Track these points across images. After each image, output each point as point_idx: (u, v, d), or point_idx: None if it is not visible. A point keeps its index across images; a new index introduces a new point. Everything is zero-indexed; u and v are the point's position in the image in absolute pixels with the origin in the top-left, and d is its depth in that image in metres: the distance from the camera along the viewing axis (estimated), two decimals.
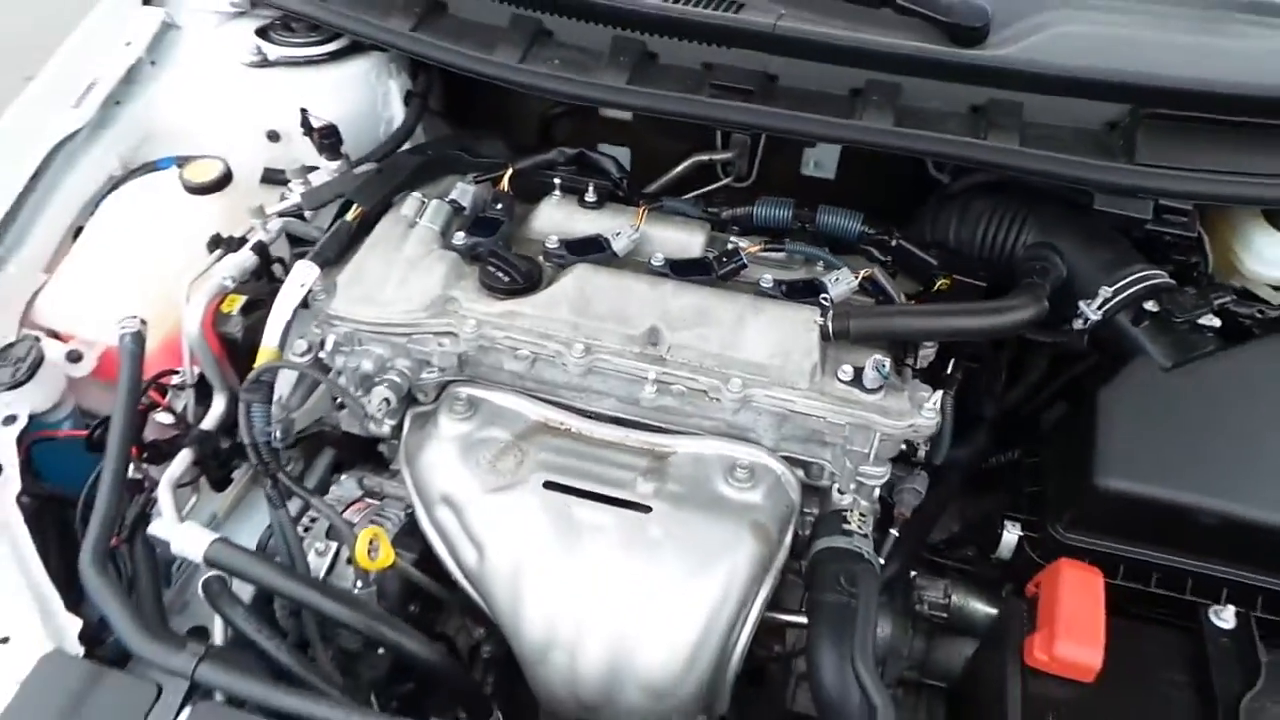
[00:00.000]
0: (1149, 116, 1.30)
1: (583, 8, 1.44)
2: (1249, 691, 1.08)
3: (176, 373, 1.35)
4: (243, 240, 1.39)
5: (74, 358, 1.35)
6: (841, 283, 1.31)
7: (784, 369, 1.22)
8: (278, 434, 1.24)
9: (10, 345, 1.30)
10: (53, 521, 1.24)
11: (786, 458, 1.26)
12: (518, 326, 1.26)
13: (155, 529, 1.17)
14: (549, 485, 1.21)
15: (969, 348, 1.40)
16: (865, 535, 1.23)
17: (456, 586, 1.25)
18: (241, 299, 1.35)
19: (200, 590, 1.15)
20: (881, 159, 1.38)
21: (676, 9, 1.39)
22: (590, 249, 1.37)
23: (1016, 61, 1.31)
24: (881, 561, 1.24)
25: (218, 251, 1.39)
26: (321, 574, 1.25)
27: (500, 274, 1.29)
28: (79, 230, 1.48)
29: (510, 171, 1.48)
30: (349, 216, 1.38)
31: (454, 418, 1.27)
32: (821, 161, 1.76)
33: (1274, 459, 1.18)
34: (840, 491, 1.27)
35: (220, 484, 1.39)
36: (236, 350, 1.35)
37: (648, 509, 1.19)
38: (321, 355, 1.31)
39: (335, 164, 1.49)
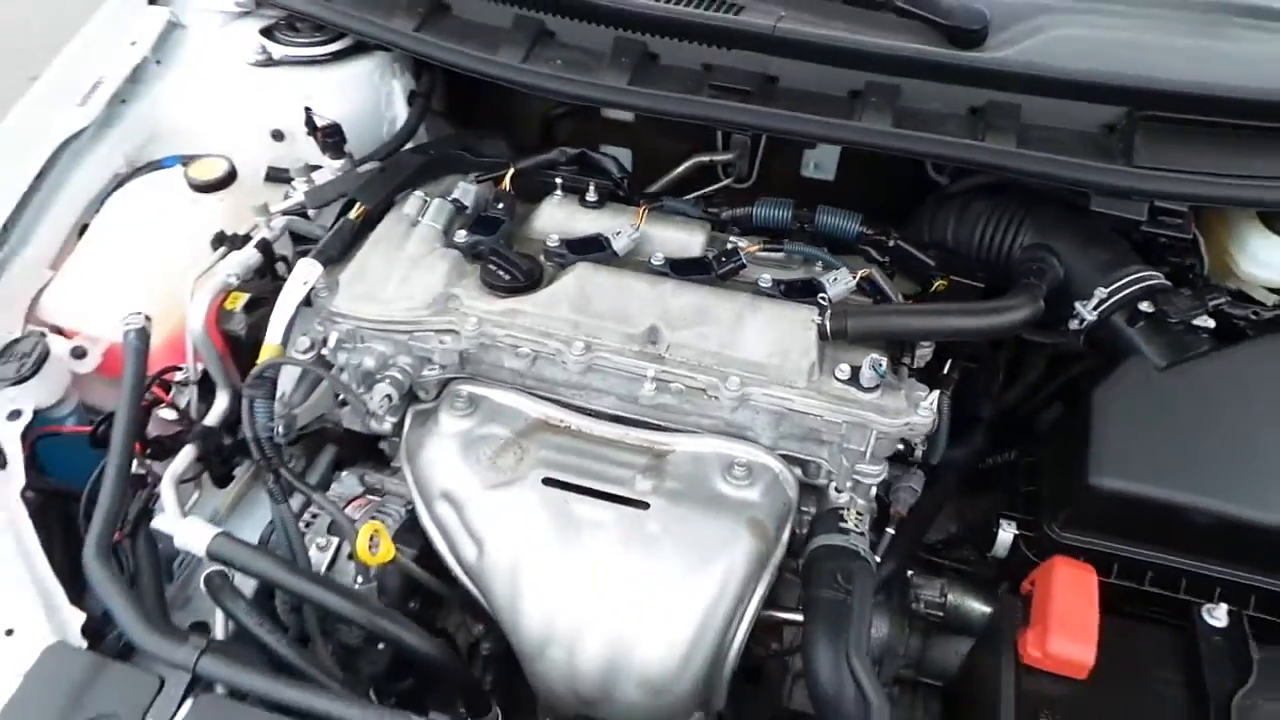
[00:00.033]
0: (1146, 119, 1.31)
1: (585, 9, 1.45)
2: (1241, 689, 1.09)
3: (180, 369, 1.36)
4: (247, 238, 1.40)
5: (79, 354, 1.36)
6: (839, 283, 1.32)
7: (782, 368, 1.23)
8: (280, 430, 1.25)
9: (16, 341, 1.32)
10: (56, 516, 1.25)
11: (784, 456, 1.27)
12: (518, 324, 1.27)
13: (158, 523, 1.18)
14: (548, 482, 1.22)
15: (966, 348, 1.41)
16: (862, 533, 1.24)
17: (456, 583, 1.25)
18: (245, 296, 1.37)
19: (202, 585, 1.16)
20: (881, 161, 1.39)
21: (677, 10, 1.41)
22: (591, 248, 1.38)
23: (1014, 64, 1.32)
24: (878, 560, 1.25)
25: (222, 249, 1.40)
26: (323, 569, 1.26)
27: (501, 272, 1.30)
28: (84, 228, 1.50)
29: (512, 171, 1.49)
30: (352, 215, 1.39)
31: (455, 414, 1.28)
32: (821, 163, 1.77)
33: (1267, 459, 1.19)
34: (837, 490, 1.28)
35: (222, 480, 1.40)
36: (240, 347, 1.36)
37: (646, 505, 1.20)
38: (324, 352, 1.33)
39: (339, 163, 1.51)
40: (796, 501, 1.26)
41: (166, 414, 1.34)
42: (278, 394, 1.28)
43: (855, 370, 1.22)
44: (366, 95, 1.64)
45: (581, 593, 1.17)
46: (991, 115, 1.35)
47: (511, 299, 1.29)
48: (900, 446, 1.27)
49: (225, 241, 1.41)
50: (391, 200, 1.43)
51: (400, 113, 1.67)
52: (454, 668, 1.19)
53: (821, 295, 1.31)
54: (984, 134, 1.33)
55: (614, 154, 1.56)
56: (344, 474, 1.40)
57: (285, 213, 1.45)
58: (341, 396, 1.33)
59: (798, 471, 1.28)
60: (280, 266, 1.43)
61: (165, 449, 1.31)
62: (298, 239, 1.48)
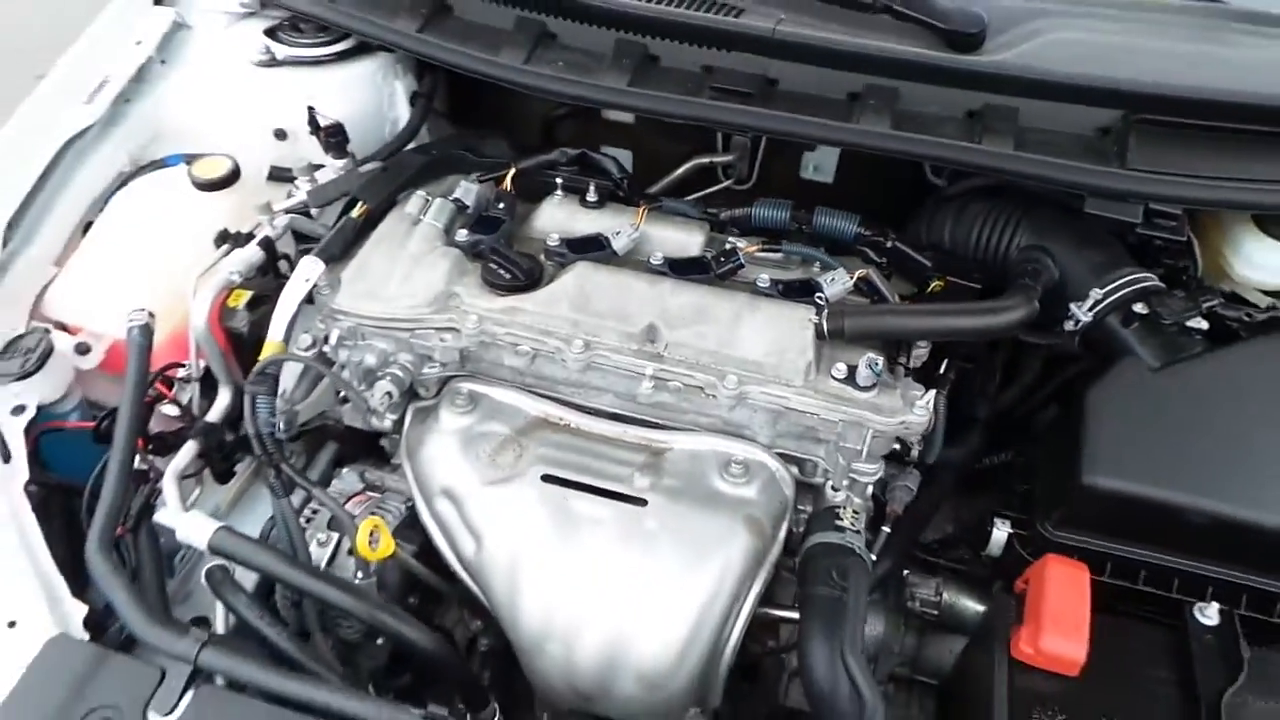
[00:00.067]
0: (1141, 122, 1.32)
1: (586, 11, 1.46)
2: (1231, 687, 1.10)
3: (183, 366, 1.37)
4: (250, 236, 1.41)
5: (82, 350, 1.37)
6: (837, 283, 1.33)
7: (779, 366, 1.24)
8: (281, 426, 1.26)
9: (20, 336, 1.32)
10: (59, 511, 1.26)
11: (781, 454, 1.28)
12: (518, 322, 1.28)
13: (160, 517, 1.19)
14: (547, 479, 1.23)
15: (963, 348, 1.42)
16: (858, 531, 1.25)
17: (455, 579, 1.27)
18: (247, 294, 1.38)
19: (203, 579, 1.17)
20: (880, 163, 1.40)
21: (678, 13, 1.42)
22: (590, 247, 1.39)
23: (1012, 67, 1.33)
24: (873, 558, 1.26)
25: (225, 247, 1.41)
26: (323, 565, 1.26)
27: (502, 271, 1.31)
28: (89, 225, 1.51)
29: (513, 171, 1.50)
30: (354, 213, 1.40)
31: (455, 412, 1.29)
32: (821, 165, 1.78)
33: (1260, 459, 1.20)
34: (834, 488, 1.29)
35: (223, 476, 1.40)
36: (242, 344, 1.37)
37: (644, 503, 1.21)
38: (325, 349, 1.34)
39: (341, 162, 1.52)
40: (793, 500, 1.27)
41: (169, 410, 1.35)
42: (279, 390, 1.29)
43: (852, 369, 1.24)
44: (369, 95, 1.65)
45: (579, 588, 1.18)
46: (989, 118, 1.36)
47: (512, 297, 1.31)
48: (896, 446, 1.27)
49: (228, 239, 1.42)
50: (393, 199, 1.44)
51: (402, 113, 1.68)
52: (452, 663, 1.20)
53: (819, 295, 1.32)
54: (981, 137, 1.34)
55: (614, 155, 1.57)
56: (344, 471, 1.41)
57: (288, 211, 1.46)
58: (343, 393, 1.34)
59: (794, 470, 1.29)
60: (283, 265, 1.44)
61: (167, 445, 1.32)
62: (300, 237, 1.49)
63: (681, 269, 1.37)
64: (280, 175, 1.57)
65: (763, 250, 1.41)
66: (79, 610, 1.12)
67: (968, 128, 1.37)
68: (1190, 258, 1.40)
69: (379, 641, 1.26)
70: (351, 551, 1.22)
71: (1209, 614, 1.18)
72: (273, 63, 1.63)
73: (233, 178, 1.50)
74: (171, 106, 1.64)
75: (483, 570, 1.22)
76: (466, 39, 1.51)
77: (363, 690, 1.20)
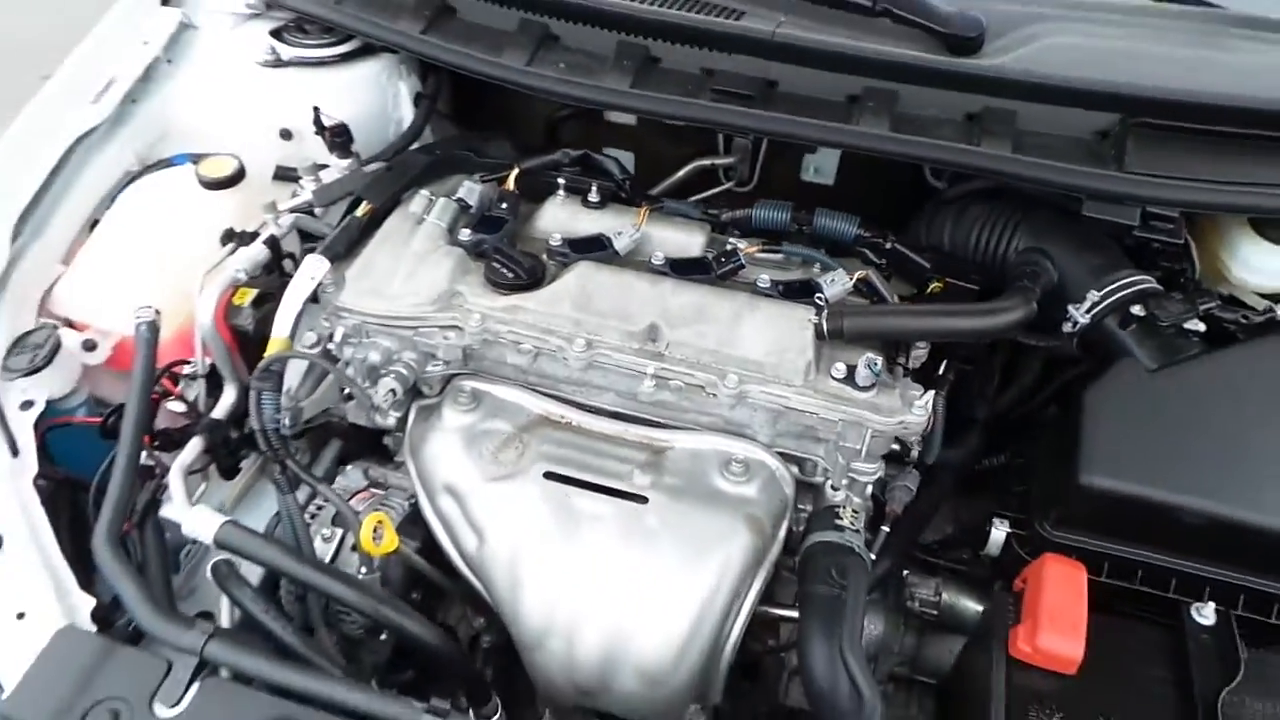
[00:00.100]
0: (1139, 126, 1.32)
1: (588, 13, 1.47)
2: (1227, 686, 1.11)
3: (189, 363, 1.38)
4: (255, 235, 1.43)
5: (89, 346, 1.38)
6: (836, 283, 1.34)
7: (779, 366, 1.25)
8: (286, 422, 1.27)
9: (29, 333, 1.34)
10: (65, 505, 1.27)
11: (781, 454, 1.29)
12: (521, 321, 1.30)
13: (167, 511, 1.20)
14: (549, 476, 1.24)
15: (961, 349, 1.43)
16: (857, 530, 1.26)
17: (458, 575, 1.28)
18: (253, 292, 1.39)
19: (209, 573, 1.18)
20: (880, 166, 1.42)
21: (679, 15, 1.43)
22: (593, 247, 1.40)
23: (1010, 71, 1.34)
24: (873, 557, 1.27)
25: (230, 245, 1.43)
26: (327, 560, 1.28)
27: (505, 270, 1.33)
28: (96, 223, 1.52)
29: (516, 171, 1.52)
30: (359, 213, 1.41)
31: (458, 409, 1.31)
32: (821, 168, 1.79)
33: (1256, 460, 1.20)
34: (833, 488, 1.30)
35: (229, 473, 1.42)
36: (247, 342, 1.38)
37: (645, 500, 1.22)
38: (330, 347, 1.35)
39: (346, 162, 1.53)
40: (793, 499, 1.28)
41: (175, 406, 1.37)
42: (284, 387, 1.30)
43: (851, 369, 1.25)
44: (373, 96, 1.66)
45: (580, 584, 1.19)
46: (987, 121, 1.37)
47: (514, 296, 1.32)
48: (895, 446, 1.28)
49: (234, 238, 1.44)
50: (398, 199, 1.46)
51: (406, 114, 1.70)
52: (455, 657, 1.21)
53: (819, 295, 1.33)
54: (979, 139, 1.35)
55: (616, 157, 1.58)
56: (348, 468, 1.42)
57: (293, 210, 1.47)
58: (347, 390, 1.36)
59: (794, 469, 1.30)
60: (288, 263, 1.46)
61: (173, 441, 1.33)
62: (305, 236, 1.51)
63: (683, 269, 1.38)
64: (285, 175, 1.58)
65: (763, 251, 1.42)
66: (86, 603, 1.13)
67: (966, 130, 1.38)
68: (1188, 260, 1.40)
69: (382, 637, 1.27)
70: (355, 547, 1.23)
71: (1206, 614, 1.19)
72: (278, 63, 1.64)
73: (238, 177, 1.51)
74: (178, 106, 1.65)
75: (485, 566, 1.23)
76: (470, 40, 1.52)
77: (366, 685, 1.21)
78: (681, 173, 1.78)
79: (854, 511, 1.27)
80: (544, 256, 1.40)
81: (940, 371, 1.36)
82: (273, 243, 1.42)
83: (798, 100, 1.43)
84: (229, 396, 1.39)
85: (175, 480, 1.24)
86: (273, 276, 1.43)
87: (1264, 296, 1.40)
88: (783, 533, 1.26)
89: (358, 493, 1.38)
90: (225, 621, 1.23)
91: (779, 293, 1.36)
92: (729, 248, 1.41)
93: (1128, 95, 1.31)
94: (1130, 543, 1.24)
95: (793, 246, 1.44)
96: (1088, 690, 1.13)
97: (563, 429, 1.30)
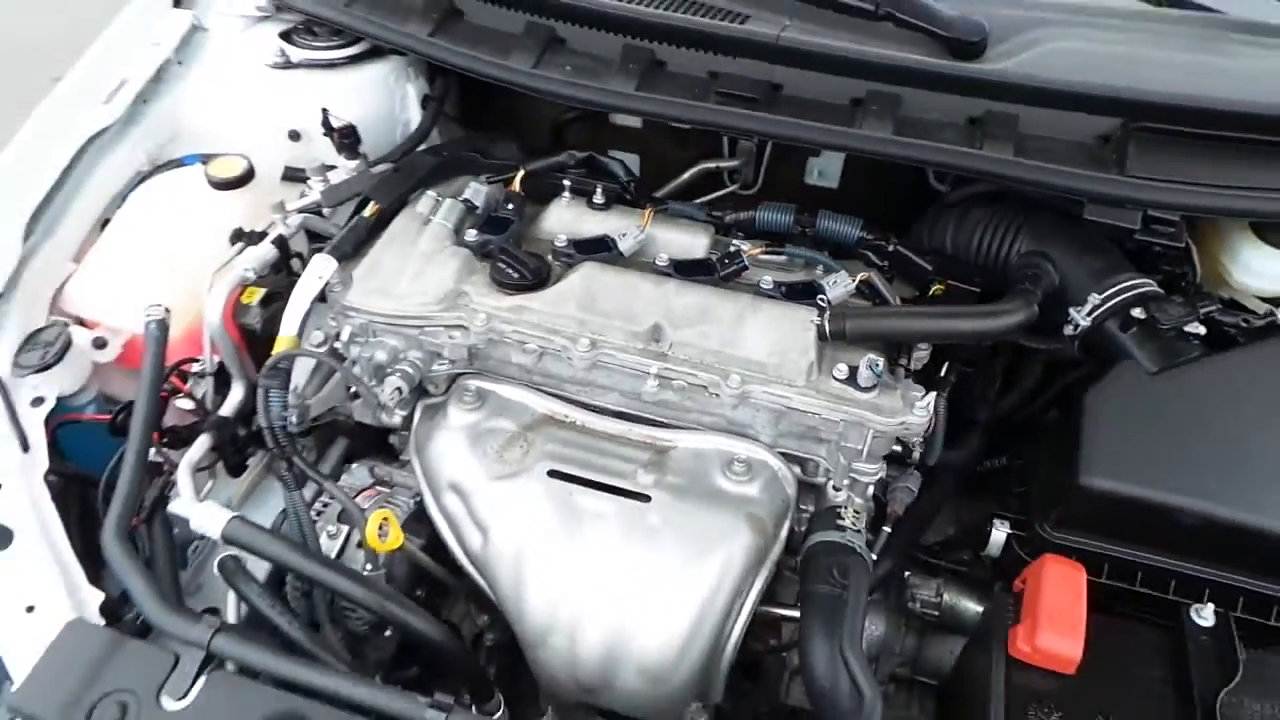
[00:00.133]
0: (1140, 130, 1.33)
1: (595, 17, 1.49)
2: (1226, 687, 1.11)
3: (197, 360, 1.39)
4: (264, 234, 1.44)
5: (99, 344, 1.39)
6: (839, 285, 1.35)
7: (782, 366, 1.26)
8: (293, 419, 1.28)
9: (40, 330, 1.35)
10: (75, 500, 1.28)
11: (783, 454, 1.30)
12: (526, 321, 1.31)
13: (175, 507, 1.21)
14: (553, 474, 1.25)
15: (963, 352, 1.43)
16: (858, 531, 1.26)
17: (462, 573, 1.29)
18: (261, 291, 1.40)
19: (216, 568, 1.19)
20: (884, 170, 1.43)
21: (685, 19, 1.44)
22: (597, 248, 1.41)
23: (1012, 75, 1.35)
24: (874, 558, 1.28)
25: (239, 245, 1.44)
26: (332, 556, 1.29)
27: (510, 270, 1.34)
28: (107, 222, 1.53)
29: (522, 173, 1.53)
30: (366, 213, 1.43)
31: (463, 408, 1.32)
32: (825, 171, 1.79)
33: (1255, 462, 1.21)
34: (835, 488, 1.31)
35: (236, 470, 1.43)
36: (255, 341, 1.40)
37: (647, 498, 1.23)
38: (337, 345, 1.36)
39: (354, 163, 1.54)
40: (795, 499, 1.29)
41: (183, 404, 1.38)
42: (291, 385, 1.31)
43: (853, 370, 1.25)
44: (381, 98, 1.68)
45: (583, 582, 1.20)
46: (989, 125, 1.38)
47: (519, 296, 1.33)
48: (897, 447, 1.29)
49: (243, 238, 1.45)
50: (405, 199, 1.47)
51: (414, 116, 1.71)
52: (459, 653, 1.21)
53: (821, 297, 1.34)
54: (982, 143, 1.36)
55: (622, 159, 1.60)
56: (354, 466, 1.43)
57: (301, 210, 1.49)
58: (353, 389, 1.37)
59: (796, 470, 1.31)
60: (295, 263, 1.47)
61: (181, 438, 1.35)
62: (313, 236, 1.52)
63: (686, 270, 1.39)
64: (294, 175, 1.59)
65: (766, 253, 1.43)
66: (95, 597, 1.14)
67: (968, 134, 1.39)
68: (1189, 264, 1.41)
69: (387, 633, 1.28)
70: (361, 544, 1.24)
71: (1205, 615, 1.19)
72: (288, 65, 1.66)
73: (248, 177, 1.52)
74: (188, 107, 1.67)
75: (489, 563, 1.24)
76: (477, 43, 1.53)
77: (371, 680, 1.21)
78: (686, 175, 1.79)
79: (855, 512, 1.27)
80: (549, 257, 1.41)
81: (942, 373, 1.37)
82: (281, 242, 1.44)
83: (802, 103, 1.44)
84: (237, 394, 1.40)
85: (183, 476, 1.25)
86: (281, 276, 1.44)
87: (1265, 300, 1.41)
88: (784, 532, 1.27)
89: (363, 490, 1.38)
90: (231, 617, 1.24)
91: (782, 294, 1.37)
92: (732, 249, 1.42)
93: (1129, 100, 1.32)
94: (1130, 544, 1.25)
95: (796, 248, 1.45)
96: (1087, 690, 1.13)
97: (567, 428, 1.31)
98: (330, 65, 1.66)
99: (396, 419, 1.37)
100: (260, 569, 1.24)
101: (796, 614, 1.25)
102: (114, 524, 1.13)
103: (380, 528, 1.17)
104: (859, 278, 1.37)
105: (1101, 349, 1.33)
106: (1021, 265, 1.41)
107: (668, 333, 1.30)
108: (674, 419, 1.32)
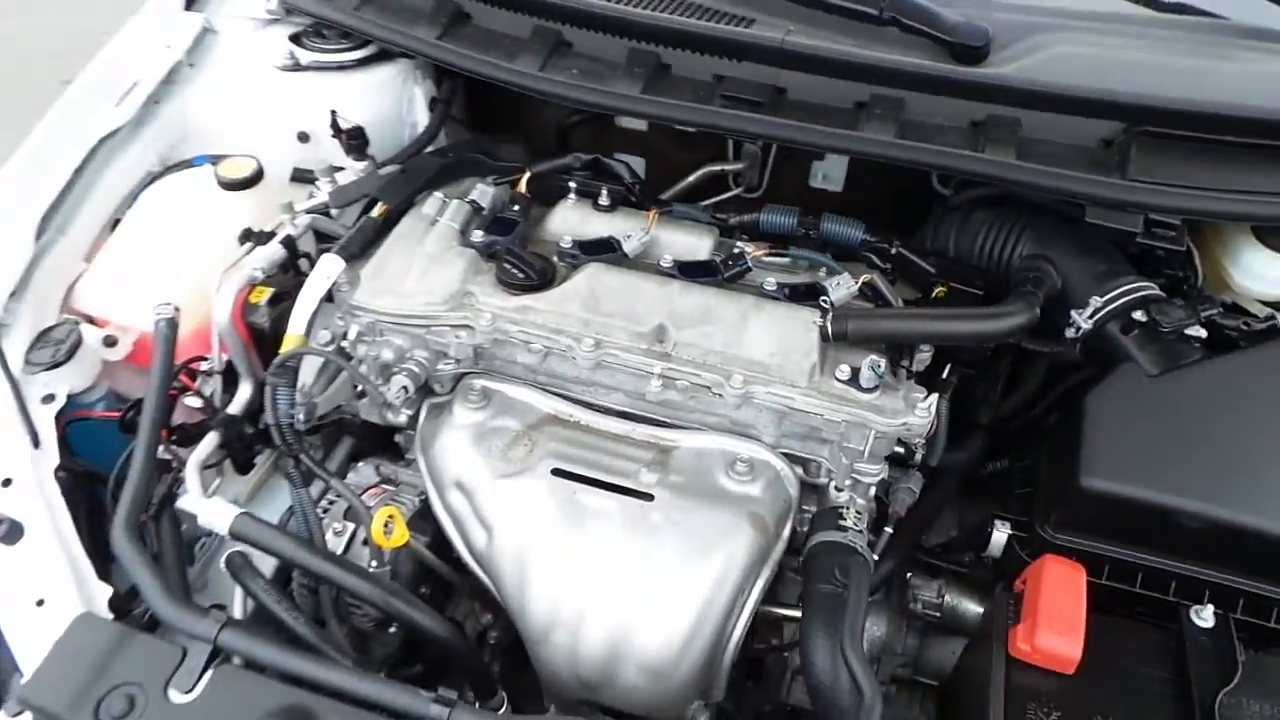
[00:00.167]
0: (1142, 134, 1.34)
1: (601, 20, 1.50)
2: (1226, 688, 1.12)
3: (206, 359, 1.41)
4: (272, 234, 1.45)
5: (109, 342, 1.41)
6: (842, 287, 1.35)
7: (784, 367, 1.27)
8: (300, 417, 1.30)
9: (51, 328, 1.37)
10: (85, 497, 1.30)
11: (786, 454, 1.30)
12: (531, 321, 1.32)
13: (183, 503, 1.23)
14: (557, 473, 1.26)
15: (965, 353, 1.44)
16: (860, 531, 1.27)
17: (466, 571, 1.30)
18: (269, 290, 1.41)
19: (223, 564, 1.21)
20: (888, 173, 1.43)
21: (690, 23, 1.45)
22: (602, 249, 1.42)
23: (1015, 80, 1.36)
24: (875, 558, 1.28)
25: (248, 244, 1.45)
26: (338, 553, 1.30)
27: (516, 271, 1.35)
28: (117, 222, 1.55)
29: (528, 175, 1.54)
30: (374, 214, 1.44)
31: (468, 407, 1.33)
32: (830, 174, 1.80)
33: (1256, 465, 1.21)
34: (837, 489, 1.31)
35: (243, 467, 1.45)
36: (263, 339, 1.41)
37: (650, 497, 1.23)
38: (344, 344, 1.37)
39: (362, 164, 1.56)
40: (797, 499, 1.30)
41: (192, 402, 1.39)
42: (299, 384, 1.32)
43: (855, 371, 1.26)
44: (389, 100, 1.69)
45: (586, 579, 1.21)
46: (992, 128, 1.38)
47: (525, 296, 1.34)
48: (899, 449, 1.30)
49: (251, 237, 1.47)
50: (412, 200, 1.48)
51: (421, 118, 1.72)
52: (463, 651, 1.22)
53: (824, 299, 1.35)
54: (984, 146, 1.37)
55: (627, 161, 1.60)
56: (360, 464, 1.44)
57: (309, 211, 1.50)
58: (360, 387, 1.38)
59: (799, 470, 1.32)
60: (303, 263, 1.48)
61: (190, 436, 1.36)
62: (321, 236, 1.53)
63: (690, 272, 1.40)
64: (302, 176, 1.61)
65: (770, 255, 1.44)
66: (104, 591, 1.16)
67: (971, 137, 1.39)
68: (1190, 268, 1.42)
69: (391, 630, 1.29)
70: (366, 541, 1.25)
71: (1205, 616, 1.19)
72: (297, 68, 1.67)
73: (257, 178, 1.54)
74: (199, 109, 1.68)
75: (493, 561, 1.25)
76: (484, 46, 1.55)
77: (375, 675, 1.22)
78: (691, 178, 1.79)
79: (857, 513, 1.28)
80: (554, 258, 1.42)
81: (944, 375, 1.38)
82: (289, 242, 1.45)
83: (806, 107, 1.45)
84: (245, 392, 1.41)
85: (191, 473, 1.26)
86: (289, 275, 1.46)
87: (1266, 304, 1.41)
88: (787, 532, 1.27)
89: (369, 488, 1.39)
90: (238, 613, 1.25)
91: (785, 295, 1.37)
92: (736, 251, 1.43)
93: (1131, 104, 1.33)
94: (1130, 545, 1.25)
95: (799, 250, 1.45)
96: (1086, 690, 1.14)
97: (571, 427, 1.32)
98: (339, 68, 1.67)
99: (402, 418, 1.38)
100: (267, 565, 1.26)
101: (798, 614, 1.25)
102: (123, 520, 1.14)
103: (385, 525, 1.19)
104: (861, 279, 1.38)
105: (1103, 351, 1.34)
106: (1023, 268, 1.41)
107: (671, 333, 1.31)
108: (677, 419, 1.33)
